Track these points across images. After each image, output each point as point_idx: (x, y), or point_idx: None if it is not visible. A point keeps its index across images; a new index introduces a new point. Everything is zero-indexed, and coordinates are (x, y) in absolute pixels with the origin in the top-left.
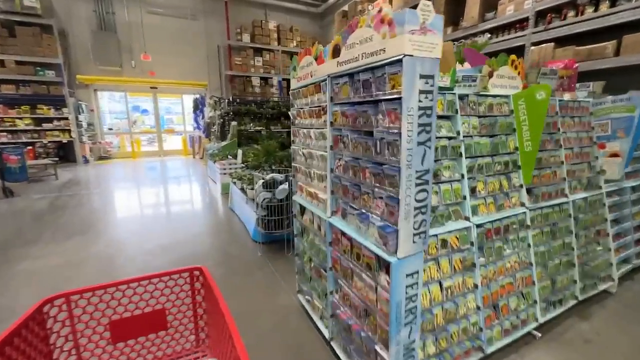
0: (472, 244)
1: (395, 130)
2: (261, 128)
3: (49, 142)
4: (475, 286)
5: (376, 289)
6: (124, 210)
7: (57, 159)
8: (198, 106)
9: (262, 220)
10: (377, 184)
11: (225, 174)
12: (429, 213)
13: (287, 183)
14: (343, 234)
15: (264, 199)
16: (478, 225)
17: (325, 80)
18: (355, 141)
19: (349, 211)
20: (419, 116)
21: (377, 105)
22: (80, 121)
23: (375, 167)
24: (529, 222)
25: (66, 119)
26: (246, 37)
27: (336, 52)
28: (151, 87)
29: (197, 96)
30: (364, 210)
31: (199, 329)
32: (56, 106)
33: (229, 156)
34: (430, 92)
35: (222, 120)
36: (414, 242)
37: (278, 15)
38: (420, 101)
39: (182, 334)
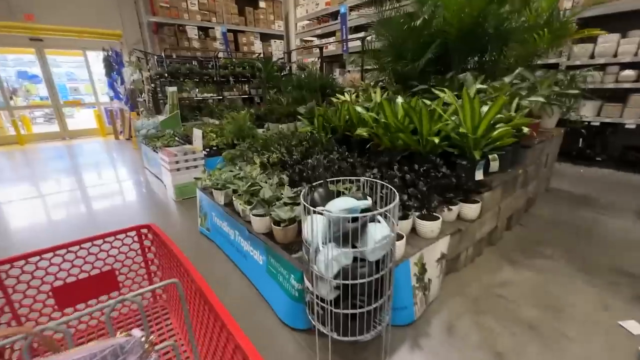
0: None
1: None
2: (210, 95)
3: None
4: None
5: None
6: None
7: None
8: (112, 66)
9: (334, 316)
10: None
11: (179, 169)
12: None
13: (381, 216)
14: None
15: (340, 270)
16: None
17: None
18: None
19: None
20: None
21: None
22: None
23: None
24: None
25: None
26: None
27: None
28: (32, 39)
29: (109, 52)
30: None
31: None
32: None
33: (176, 138)
34: None
35: (153, 85)
36: None
37: None
38: None
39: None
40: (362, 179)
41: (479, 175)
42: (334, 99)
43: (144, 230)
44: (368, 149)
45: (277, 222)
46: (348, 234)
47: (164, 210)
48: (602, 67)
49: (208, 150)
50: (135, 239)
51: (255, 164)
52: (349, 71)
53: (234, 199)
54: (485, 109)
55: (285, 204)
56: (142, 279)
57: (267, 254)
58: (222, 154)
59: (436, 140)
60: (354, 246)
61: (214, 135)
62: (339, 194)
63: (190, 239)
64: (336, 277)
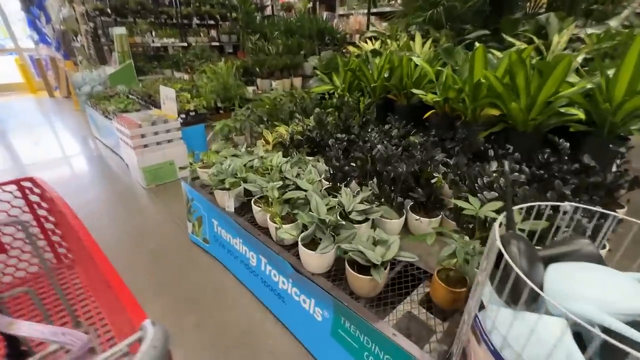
0: None
1: None
2: (172, 41)
3: None
4: None
5: None
6: None
7: None
8: None
9: None
10: None
11: (146, 145)
12: None
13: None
14: None
15: None
16: None
17: None
18: None
19: None
20: None
21: None
22: None
23: None
24: None
25: None
26: None
27: None
28: None
29: None
30: None
31: (55, 245)
32: None
33: (136, 98)
34: None
35: (91, 25)
36: None
37: None
38: None
39: (33, 252)
40: (566, 204)
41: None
42: (353, 48)
43: (27, 184)
44: (426, 119)
45: (356, 265)
46: None
47: (132, 205)
48: None
49: (184, 116)
50: (18, 194)
51: (266, 142)
52: (347, 15)
53: (255, 207)
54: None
55: (351, 221)
56: (36, 237)
57: (334, 310)
58: (216, 126)
59: (577, 112)
60: None
61: (189, 96)
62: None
63: (180, 253)
64: None
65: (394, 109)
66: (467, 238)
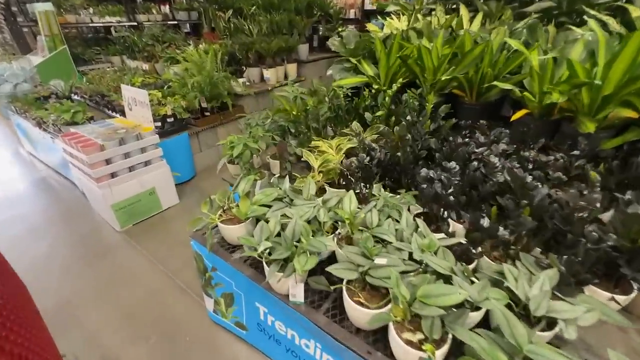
0: None
1: None
2: (117, 20)
3: None
4: None
5: None
6: None
7: None
8: None
9: None
10: None
11: (114, 175)
12: None
13: None
14: None
15: None
16: None
17: None
18: None
19: None
20: None
21: None
22: None
23: None
24: None
25: None
26: None
27: None
28: None
29: None
30: None
31: None
32: None
33: (82, 99)
34: None
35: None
36: None
37: None
38: None
39: None
40: None
41: None
42: (373, 27)
43: None
44: (511, 122)
45: None
46: None
47: (107, 262)
48: None
49: (159, 124)
50: None
51: (308, 174)
52: None
53: (356, 306)
54: None
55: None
56: None
57: None
58: (231, 148)
59: None
60: None
61: (159, 94)
62: None
63: (202, 350)
64: None
65: (457, 108)
66: None
